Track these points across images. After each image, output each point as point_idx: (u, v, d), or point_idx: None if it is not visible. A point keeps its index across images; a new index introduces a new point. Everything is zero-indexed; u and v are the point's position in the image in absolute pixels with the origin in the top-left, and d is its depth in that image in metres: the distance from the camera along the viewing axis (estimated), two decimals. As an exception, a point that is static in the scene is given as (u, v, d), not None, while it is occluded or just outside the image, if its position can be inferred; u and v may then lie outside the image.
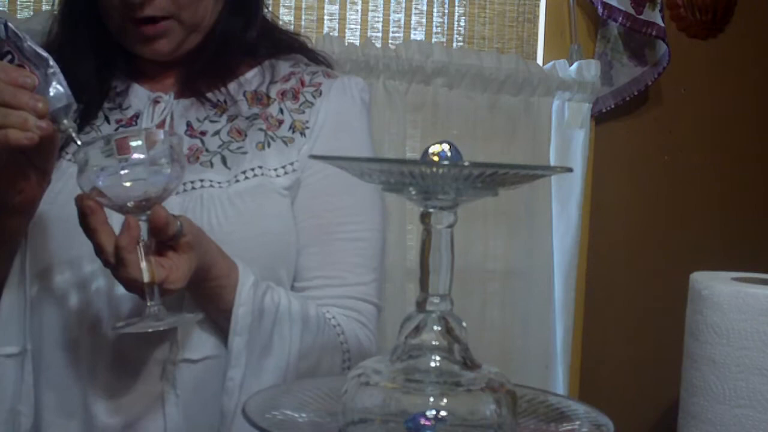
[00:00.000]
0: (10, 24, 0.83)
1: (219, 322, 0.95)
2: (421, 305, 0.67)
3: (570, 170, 0.67)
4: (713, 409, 1.31)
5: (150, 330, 0.83)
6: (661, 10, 1.84)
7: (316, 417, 0.70)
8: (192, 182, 0.98)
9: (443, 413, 0.62)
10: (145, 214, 0.81)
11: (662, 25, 1.83)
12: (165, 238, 0.83)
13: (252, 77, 1.09)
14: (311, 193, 1.04)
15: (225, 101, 1.05)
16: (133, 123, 1.03)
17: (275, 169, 1.03)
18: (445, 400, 0.62)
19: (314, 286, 1.04)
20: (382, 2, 1.75)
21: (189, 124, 1.04)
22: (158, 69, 1.06)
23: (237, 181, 1.00)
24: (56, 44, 1.03)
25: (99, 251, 0.82)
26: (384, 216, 1.10)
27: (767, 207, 2.09)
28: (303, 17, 1.71)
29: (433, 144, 0.65)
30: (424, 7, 1.79)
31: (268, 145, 1.04)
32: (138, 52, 1.03)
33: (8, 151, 0.81)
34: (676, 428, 1.42)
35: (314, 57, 1.15)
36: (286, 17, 1.69)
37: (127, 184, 0.79)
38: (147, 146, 0.79)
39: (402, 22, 1.77)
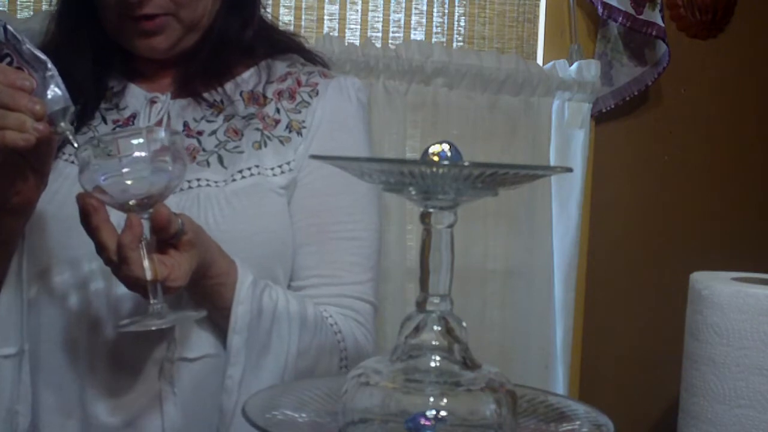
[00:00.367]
0: (9, 27, 0.83)
1: (217, 320, 0.95)
2: (421, 305, 0.67)
3: (570, 170, 0.67)
4: (713, 409, 1.31)
5: (154, 328, 0.83)
6: (661, 10, 1.84)
7: (316, 417, 0.70)
8: (189, 181, 0.98)
9: (443, 413, 0.62)
10: (147, 212, 0.81)
11: (662, 25, 1.82)
12: (167, 236, 0.83)
13: (249, 77, 1.09)
14: (308, 193, 1.05)
15: (222, 101, 1.05)
16: (130, 123, 1.03)
17: (272, 169, 1.03)
18: (445, 400, 0.62)
19: (311, 285, 1.04)
20: (382, 2, 1.75)
21: (186, 124, 1.04)
22: (155, 69, 1.06)
23: (234, 180, 1.00)
24: (53, 44, 1.03)
25: (101, 250, 0.82)
26: (380, 215, 1.11)
27: (767, 207, 2.09)
28: (303, 17, 1.71)
29: (433, 144, 0.65)
30: (424, 7, 1.79)
31: (265, 145, 1.04)
32: (135, 50, 1.03)
33: (5, 152, 0.81)
34: (676, 428, 1.42)
35: (311, 57, 1.15)
36: (286, 17, 1.69)
37: (129, 182, 0.79)
38: (149, 144, 0.80)
39: (402, 22, 1.77)
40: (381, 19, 1.76)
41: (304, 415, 0.70)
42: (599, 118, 1.91)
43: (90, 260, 0.94)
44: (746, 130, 2.07)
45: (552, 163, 1.82)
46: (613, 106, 1.90)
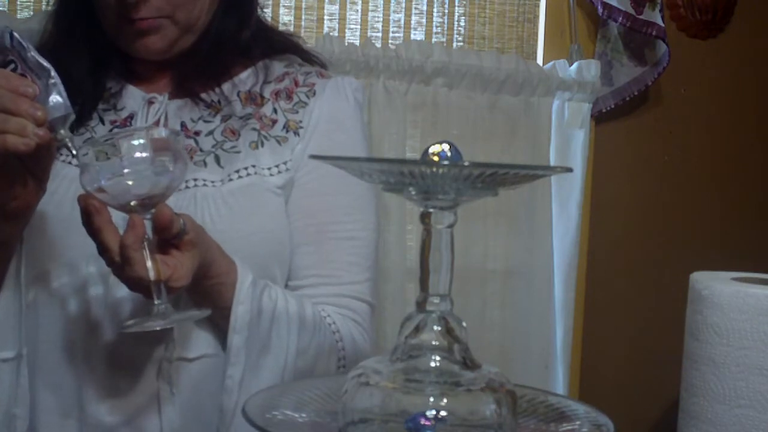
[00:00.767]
0: (15, 34, 0.84)
1: (217, 320, 0.95)
2: (421, 305, 0.67)
3: (570, 170, 0.67)
4: (713, 409, 1.31)
5: (158, 328, 0.83)
6: (661, 10, 1.84)
7: (316, 417, 0.70)
8: (186, 181, 0.98)
9: (443, 413, 0.62)
10: (149, 213, 0.81)
11: (662, 25, 1.82)
12: (169, 236, 0.83)
13: (246, 77, 1.09)
14: (305, 193, 1.05)
15: (219, 101, 1.06)
16: (128, 124, 1.03)
17: (269, 168, 1.03)
18: (445, 400, 0.62)
19: (309, 284, 1.04)
20: (382, 2, 1.75)
21: (183, 125, 1.04)
22: (152, 70, 1.06)
23: (230, 180, 1.00)
24: (51, 44, 1.03)
25: (103, 250, 0.82)
26: (378, 215, 1.11)
27: (767, 207, 2.09)
28: (303, 17, 1.71)
29: (433, 144, 0.65)
30: (424, 7, 1.79)
31: (262, 145, 1.04)
32: (131, 51, 1.03)
33: (6, 156, 0.81)
34: (676, 428, 1.42)
35: (308, 57, 1.15)
36: (286, 17, 1.69)
37: (131, 182, 0.79)
38: (149, 145, 0.80)
39: (402, 22, 1.77)
40: (381, 19, 1.76)
41: (304, 415, 0.70)
42: (599, 118, 1.91)
43: (88, 262, 0.94)
44: (746, 130, 2.07)
45: (552, 163, 1.83)
46: (613, 106, 1.90)
